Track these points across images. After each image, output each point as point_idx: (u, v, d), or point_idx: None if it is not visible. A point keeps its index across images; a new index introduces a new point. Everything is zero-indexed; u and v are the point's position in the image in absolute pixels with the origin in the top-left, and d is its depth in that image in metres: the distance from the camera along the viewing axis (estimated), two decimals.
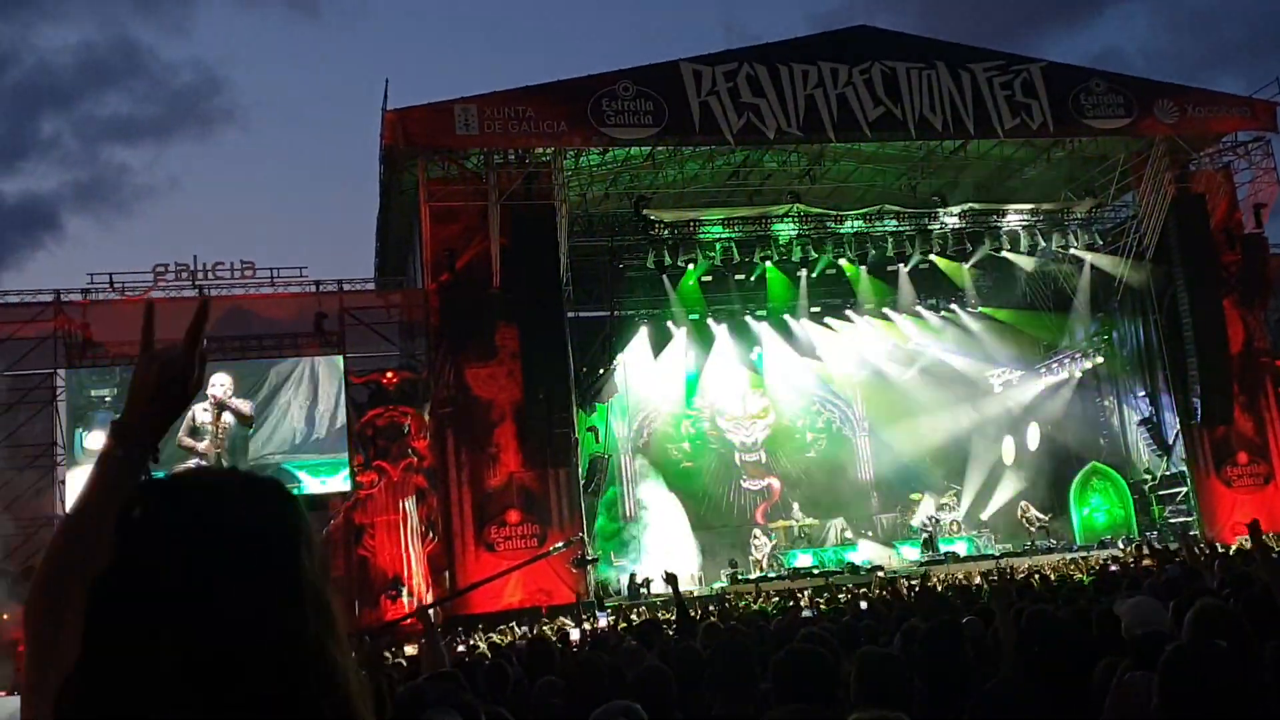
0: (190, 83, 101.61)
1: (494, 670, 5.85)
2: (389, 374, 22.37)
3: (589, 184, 24.59)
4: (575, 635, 11.71)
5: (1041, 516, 27.85)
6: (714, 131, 22.77)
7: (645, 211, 24.44)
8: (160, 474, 1.22)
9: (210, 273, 22.88)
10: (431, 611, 11.84)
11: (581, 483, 22.55)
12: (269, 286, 23.23)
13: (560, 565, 20.14)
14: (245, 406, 21.33)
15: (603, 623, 11.68)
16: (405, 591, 20.62)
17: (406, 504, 21.57)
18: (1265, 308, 26.15)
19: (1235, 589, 6.36)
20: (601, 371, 24.52)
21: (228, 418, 21.13)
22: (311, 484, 21.35)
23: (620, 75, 22.76)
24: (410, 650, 12.02)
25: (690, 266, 25.22)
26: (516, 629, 16.49)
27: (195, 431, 20.72)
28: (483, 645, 13.44)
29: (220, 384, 21.12)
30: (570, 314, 22.76)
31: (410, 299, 23.69)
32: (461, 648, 13.53)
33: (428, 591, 20.78)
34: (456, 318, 21.81)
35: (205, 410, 20.82)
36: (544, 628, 14.97)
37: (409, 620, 13.13)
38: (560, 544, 19.85)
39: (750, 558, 25.66)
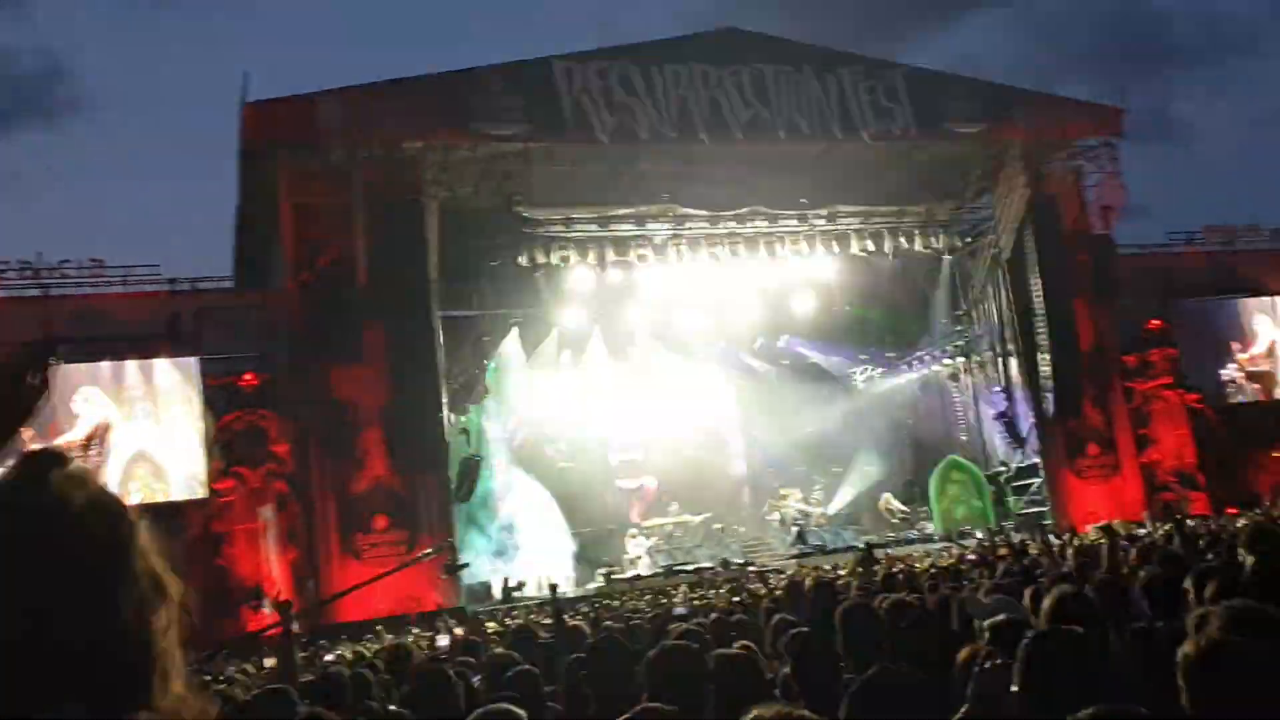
0: (32, 70, 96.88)
1: (355, 679, 5.66)
2: (247, 376, 21.57)
3: (459, 180, 24.21)
4: (444, 642, 11.44)
5: (903, 508, 28.61)
6: (586, 130, 22.70)
7: (517, 209, 24.21)
8: None
9: (56, 271, 21.77)
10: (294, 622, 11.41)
11: (453, 486, 22.18)
12: (120, 285, 22.24)
13: (430, 571, 19.77)
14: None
15: (443, 642, 11.43)
16: (267, 602, 19.92)
17: (267, 511, 20.85)
18: (1113, 306, 27.38)
19: (1083, 575, 6.57)
20: (475, 372, 24.19)
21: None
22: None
23: (491, 71, 22.50)
24: (269, 662, 11.57)
25: (564, 264, 25.10)
26: (384, 637, 16.07)
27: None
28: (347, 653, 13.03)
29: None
30: (441, 313, 22.38)
31: (271, 299, 22.94)
32: (330, 656, 13.12)
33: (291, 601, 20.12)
34: (320, 318, 21.21)
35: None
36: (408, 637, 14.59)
37: (274, 630, 12.68)
38: (429, 550, 19.49)
39: (626, 557, 25.71)
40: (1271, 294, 30.53)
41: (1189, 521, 11.72)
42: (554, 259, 24.75)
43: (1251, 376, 29.72)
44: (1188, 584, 4.07)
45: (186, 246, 36.29)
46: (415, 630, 15.62)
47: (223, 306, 22.56)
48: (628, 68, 23.12)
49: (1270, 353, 30.07)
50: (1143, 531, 18.69)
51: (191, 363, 21.28)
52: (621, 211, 25.22)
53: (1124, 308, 27.79)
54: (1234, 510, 20.95)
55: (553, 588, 9.54)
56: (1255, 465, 28.28)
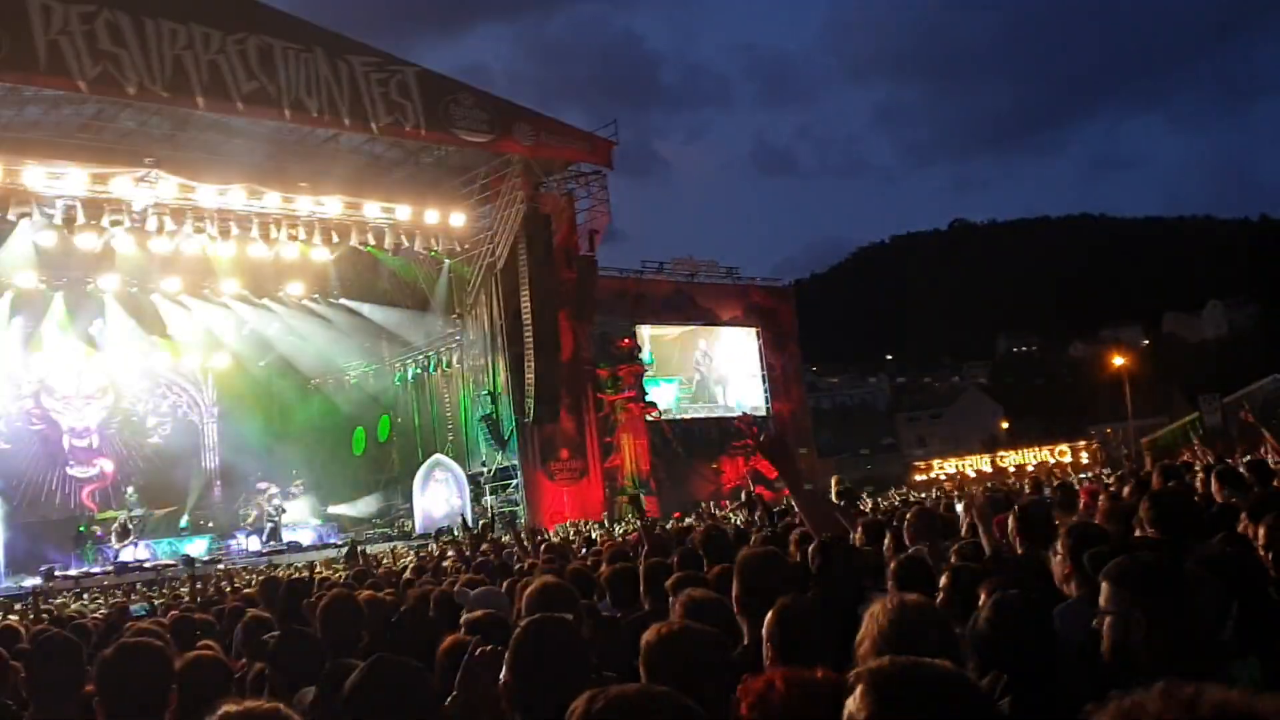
0: None
1: None
2: None
3: None
4: None
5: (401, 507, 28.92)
6: (63, 75, 20.23)
7: None
8: None
9: None
10: None
11: None
12: None
13: None
14: None
15: None
16: None
17: None
18: (591, 322, 29.55)
19: (556, 567, 7.01)
20: None
21: None
22: None
23: None
24: None
25: (24, 222, 22.23)
26: None
27: None
28: None
29: None
30: None
31: None
32: None
33: None
34: None
35: None
36: None
37: None
38: None
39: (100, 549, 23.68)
40: (723, 324, 34.85)
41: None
42: (11, 214, 21.91)
43: (701, 394, 33.94)
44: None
45: None
46: None
47: None
48: (117, 15, 20.93)
49: (715, 373, 34.49)
50: (600, 532, 20.30)
51: None
52: (97, 170, 22.83)
53: (599, 324, 30.11)
54: (679, 515, 23.42)
55: None
56: (699, 475, 31.92)
